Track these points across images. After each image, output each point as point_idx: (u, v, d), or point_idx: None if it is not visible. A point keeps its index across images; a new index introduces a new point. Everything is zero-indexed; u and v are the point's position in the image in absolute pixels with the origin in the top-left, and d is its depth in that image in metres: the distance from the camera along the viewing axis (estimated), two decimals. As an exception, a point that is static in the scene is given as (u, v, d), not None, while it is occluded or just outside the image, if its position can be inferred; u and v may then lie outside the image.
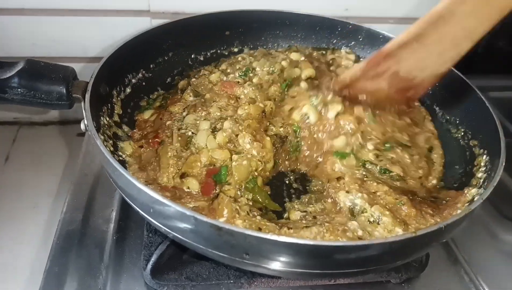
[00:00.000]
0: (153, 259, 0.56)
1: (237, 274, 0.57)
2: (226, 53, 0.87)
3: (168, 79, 0.81)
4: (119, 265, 0.60)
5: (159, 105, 0.74)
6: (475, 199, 0.56)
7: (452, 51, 0.58)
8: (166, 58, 0.80)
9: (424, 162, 0.66)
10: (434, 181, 0.65)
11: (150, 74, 0.78)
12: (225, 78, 0.74)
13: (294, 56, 0.82)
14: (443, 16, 0.54)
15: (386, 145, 0.64)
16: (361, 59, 0.85)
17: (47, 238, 0.74)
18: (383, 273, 0.60)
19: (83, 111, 0.57)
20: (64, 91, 0.58)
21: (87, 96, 0.57)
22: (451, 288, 0.63)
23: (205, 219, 0.43)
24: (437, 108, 0.78)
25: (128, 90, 0.73)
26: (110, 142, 0.61)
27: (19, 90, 0.56)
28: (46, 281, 0.58)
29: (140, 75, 0.76)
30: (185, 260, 0.58)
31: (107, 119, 0.64)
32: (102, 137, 0.58)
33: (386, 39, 0.84)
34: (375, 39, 0.85)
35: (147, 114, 0.72)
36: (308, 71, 0.77)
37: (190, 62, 0.84)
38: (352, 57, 0.84)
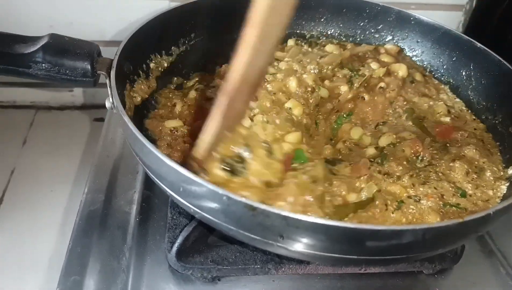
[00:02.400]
0: (178, 241, 0.54)
1: (264, 259, 0.55)
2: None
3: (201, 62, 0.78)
4: (142, 247, 0.59)
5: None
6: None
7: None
8: (188, 40, 0.78)
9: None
10: None
11: (177, 55, 0.75)
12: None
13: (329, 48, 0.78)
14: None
15: None
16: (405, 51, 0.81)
17: (65, 223, 0.74)
18: (416, 263, 0.57)
19: (108, 88, 0.55)
20: (89, 67, 0.56)
21: (113, 72, 0.56)
22: (486, 280, 0.60)
23: (238, 198, 0.41)
24: (472, 94, 0.74)
25: (154, 69, 0.71)
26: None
27: (43, 65, 0.55)
28: (69, 262, 0.57)
29: (165, 55, 0.74)
30: (211, 243, 0.57)
31: (133, 96, 0.63)
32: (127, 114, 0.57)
33: (418, 22, 0.81)
34: (406, 21, 0.82)
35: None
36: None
37: (217, 46, 0.81)
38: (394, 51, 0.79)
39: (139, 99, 0.65)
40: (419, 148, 0.58)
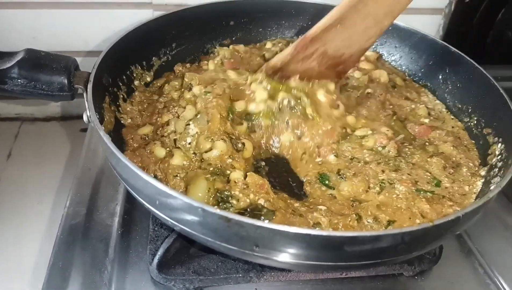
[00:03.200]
0: (159, 253, 0.54)
1: (246, 267, 0.56)
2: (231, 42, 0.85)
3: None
4: (124, 259, 0.59)
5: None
6: (492, 187, 0.54)
7: (374, 28, 0.61)
8: (169, 50, 0.79)
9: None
10: None
11: (154, 66, 0.76)
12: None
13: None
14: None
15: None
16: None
17: (51, 234, 0.73)
18: (396, 265, 0.58)
19: (85, 102, 0.55)
20: (66, 81, 0.56)
21: (89, 86, 0.56)
22: (465, 280, 0.61)
23: (213, 210, 0.42)
24: (448, 97, 0.76)
25: (134, 81, 0.72)
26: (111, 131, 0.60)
27: (19, 80, 0.55)
28: (50, 276, 0.56)
29: (144, 66, 0.74)
30: (192, 254, 0.57)
31: (111, 110, 0.63)
32: (105, 127, 0.57)
33: (395, 27, 0.82)
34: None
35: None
36: None
37: (193, 55, 0.82)
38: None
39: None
40: (383, 140, 0.62)
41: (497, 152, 0.61)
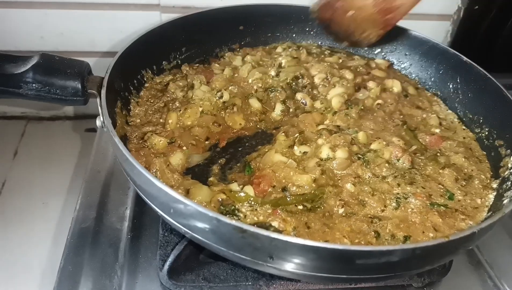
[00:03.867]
0: (170, 259, 0.54)
1: (255, 276, 0.56)
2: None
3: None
4: (134, 264, 0.59)
5: None
6: (505, 201, 0.54)
7: None
8: (179, 54, 0.79)
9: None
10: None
11: (165, 70, 0.76)
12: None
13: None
14: None
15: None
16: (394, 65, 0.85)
17: (57, 236, 0.73)
18: (406, 276, 0.58)
19: (99, 107, 0.55)
20: (80, 86, 0.56)
21: (103, 91, 0.56)
22: (474, 292, 0.61)
23: (228, 221, 0.41)
24: (459, 107, 0.76)
25: (145, 84, 0.72)
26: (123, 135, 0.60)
27: (33, 85, 0.55)
28: (61, 280, 0.56)
29: (154, 70, 0.74)
30: (202, 261, 0.57)
31: (122, 114, 0.63)
32: (118, 133, 0.57)
33: (405, 35, 0.82)
34: (394, 35, 0.82)
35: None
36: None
37: (202, 57, 0.82)
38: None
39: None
40: (398, 153, 0.61)
41: (509, 165, 0.61)
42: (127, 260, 0.59)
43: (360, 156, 0.61)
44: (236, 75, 0.74)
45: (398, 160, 0.61)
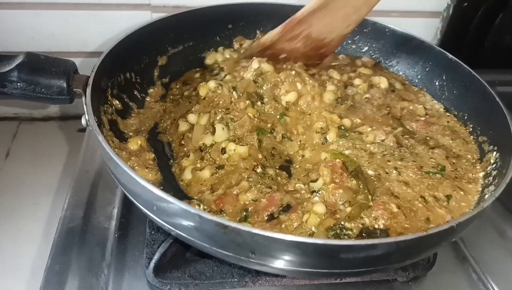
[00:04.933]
0: (155, 257, 0.55)
1: (241, 272, 0.56)
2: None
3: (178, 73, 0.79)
4: (121, 263, 0.59)
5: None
6: (486, 196, 0.55)
7: (354, 15, 0.70)
8: (168, 53, 0.79)
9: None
10: None
11: (153, 69, 0.76)
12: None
13: None
14: None
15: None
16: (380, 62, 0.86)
17: (48, 236, 0.73)
18: (390, 271, 0.59)
19: (84, 106, 0.55)
20: (65, 85, 0.56)
21: (88, 90, 0.56)
22: (459, 287, 0.62)
23: (210, 217, 0.42)
24: (445, 103, 0.77)
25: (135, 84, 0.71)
26: (111, 135, 0.60)
27: (18, 84, 0.55)
28: (47, 279, 0.57)
29: (142, 68, 0.74)
30: (188, 258, 0.57)
31: (110, 113, 0.63)
32: (104, 132, 0.57)
33: (392, 33, 0.83)
34: (381, 33, 0.84)
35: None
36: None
37: (191, 59, 0.82)
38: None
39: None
40: (382, 135, 0.65)
41: (492, 161, 0.61)
42: (114, 259, 0.59)
43: (346, 134, 0.66)
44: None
45: (382, 141, 0.65)
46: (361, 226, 0.52)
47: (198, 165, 0.61)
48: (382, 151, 0.63)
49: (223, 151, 0.61)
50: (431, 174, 0.60)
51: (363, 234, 0.51)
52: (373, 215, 0.53)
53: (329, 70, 0.78)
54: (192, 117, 0.66)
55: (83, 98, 0.56)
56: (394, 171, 0.60)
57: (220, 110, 0.66)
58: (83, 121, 0.57)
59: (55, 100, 0.58)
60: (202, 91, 0.69)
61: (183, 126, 0.67)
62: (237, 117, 0.64)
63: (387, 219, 0.52)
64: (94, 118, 0.53)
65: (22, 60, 0.55)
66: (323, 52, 0.76)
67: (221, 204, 0.54)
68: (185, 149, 0.64)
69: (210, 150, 0.62)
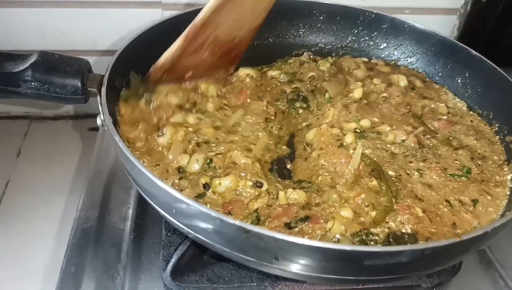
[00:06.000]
0: (173, 260, 0.54)
1: (260, 276, 0.55)
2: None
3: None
4: (137, 265, 0.58)
5: None
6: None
7: (263, 2, 0.61)
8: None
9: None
10: None
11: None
12: None
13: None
14: None
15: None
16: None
17: (61, 236, 0.73)
18: (415, 278, 0.57)
19: (99, 105, 0.54)
20: (79, 84, 0.56)
21: (103, 89, 0.55)
22: (484, 292, 0.60)
23: (231, 221, 0.40)
24: (468, 102, 0.74)
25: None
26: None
27: (33, 83, 0.54)
28: (63, 281, 0.56)
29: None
30: (206, 261, 0.56)
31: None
32: (119, 132, 0.56)
33: (412, 29, 0.80)
34: (400, 29, 0.81)
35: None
36: None
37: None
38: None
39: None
40: (403, 135, 0.62)
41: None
42: (129, 261, 0.58)
43: (364, 134, 0.63)
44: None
45: (403, 141, 0.62)
46: (387, 230, 0.50)
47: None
48: (403, 151, 0.61)
49: (206, 187, 0.53)
50: (456, 176, 0.58)
51: (390, 239, 0.49)
52: (398, 219, 0.51)
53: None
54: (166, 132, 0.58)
55: (98, 98, 0.55)
56: (416, 173, 0.58)
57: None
58: (99, 121, 0.55)
59: (69, 100, 0.57)
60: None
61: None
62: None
63: (414, 223, 0.50)
64: (110, 118, 0.52)
65: (36, 59, 0.55)
66: (233, 56, 0.66)
67: (230, 207, 0.52)
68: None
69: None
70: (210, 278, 0.54)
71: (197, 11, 0.76)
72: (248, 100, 0.67)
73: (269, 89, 0.74)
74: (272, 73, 0.77)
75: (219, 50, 0.62)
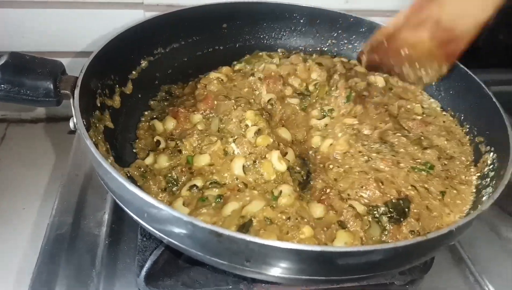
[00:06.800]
0: (147, 265, 0.53)
1: (236, 279, 0.55)
2: (222, 47, 0.83)
3: (168, 75, 0.77)
4: (111, 271, 0.57)
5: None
6: (484, 198, 0.54)
7: None
8: (161, 53, 0.76)
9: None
10: None
11: (145, 70, 0.74)
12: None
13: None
14: None
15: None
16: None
17: (36, 242, 0.71)
18: (388, 276, 0.58)
19: (72, 108, 0.53)
20: (52, 86, 0.54)
21: (77, 92, 0.54)
22: (456, 288, 0.61)
23: (203, 225, 0.40)
24: (441, 104, 0.76)
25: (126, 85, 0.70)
26: (102, 138, 0.58)
27: (2, 85, 0.52)
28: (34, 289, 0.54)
29: (133, 70, 0.72)
30: (181, 266, 0.56)
31: (99, 117, 0.61)
32: (93, 136, 0.55)
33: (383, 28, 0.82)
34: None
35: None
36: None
37: (186, 59, 0.80)
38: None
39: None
40: (366, 130, 0.65)
41: (488, 162, 0.61)
42: (104, 267, 0.57)
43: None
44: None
45: (366, 135, 0.64)
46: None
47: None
48: (362, 142, 0.63)
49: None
50: (416, 170, 0.59)
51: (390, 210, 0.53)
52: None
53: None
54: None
55: (71, 101, 0.54)
56: (363, 158, 0.60)
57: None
58: (71, 124, 0.54)
59: (41, 102, 0.56)
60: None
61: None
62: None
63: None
64: (83, 121, 0.51)
65: (6, 61, 0.53)
66: (450, 51, 0.63)
67: None
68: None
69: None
70: (185, 282, 0.54)
71: (179, 11, 0.77)
72: (215, 102, 0.67)
73: (236, 85, 0.73)
74: (239, 66, 0.78)
75: (438, 35, 0.62)
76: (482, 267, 0.63)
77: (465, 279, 0.62)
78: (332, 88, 0.72)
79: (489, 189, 0.56)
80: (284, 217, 0.51)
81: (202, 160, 0.58)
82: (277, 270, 0.43)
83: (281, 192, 0.54)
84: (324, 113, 0.70)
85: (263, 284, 0.55)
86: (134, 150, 0.65)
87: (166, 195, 0.56)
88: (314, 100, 0.72)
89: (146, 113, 0.71)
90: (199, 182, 0.55)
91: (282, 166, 0.57)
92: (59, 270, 0.57)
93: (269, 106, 0.70)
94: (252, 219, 0.50)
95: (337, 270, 0.44)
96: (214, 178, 0.56)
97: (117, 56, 0.67)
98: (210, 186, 0.55)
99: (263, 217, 0.50)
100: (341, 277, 0.46)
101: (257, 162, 0.57)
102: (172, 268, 0.55)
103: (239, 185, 0.55)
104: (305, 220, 0.51)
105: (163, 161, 0.60)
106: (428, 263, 0.60)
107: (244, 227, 0.49)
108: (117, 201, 0.50)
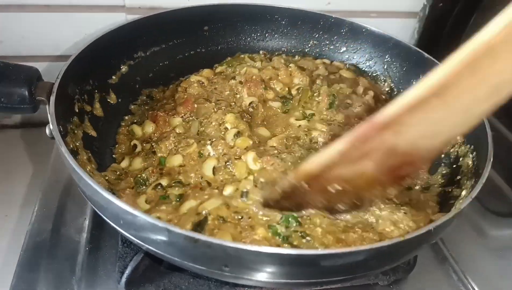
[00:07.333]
0: (127, 271, 0.52)
1: (218, 284, 0.54)
2: (204, 50, 0.83)
3: (149, 79, 0.77)
4: (92, 277, 0.57)
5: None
6: (462, 196, 0.55)
7: (486, 101, 0.37)
8: (142, 56, 0.76)
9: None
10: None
11: (125, 74, 0.73)
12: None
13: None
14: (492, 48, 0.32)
15: None
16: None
17: (15, 249, 0.70)
18: (371, 277, 0.58)
19: (48, 115, 0.52)
20: (26, 93, 0.53)
21: (52, 98, 0.53)
22: (439, 287, 0.62)
23: (179, 230, 0.40)
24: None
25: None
26: (80, 145, 0.57)
27: (-26, 93, 0.51)
28: (12, 299, 0.53)
29: (113, 75, 0.71)
30: (163, 271, 0.55)
31: (77, 123, 0.60)
32: (70, 143, 0.54)
33: (369, 33, 0.83)
34: (358, 33, 0.83)
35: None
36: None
37: (167, 62, 0.79)
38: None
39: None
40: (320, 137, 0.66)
41: (469, 161, 0.61)
42: (84, 274, 0.57)
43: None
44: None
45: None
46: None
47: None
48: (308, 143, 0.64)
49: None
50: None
51: None
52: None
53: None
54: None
55: (47, 107, 0.53)
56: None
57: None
58: (47, 131, 0.54)
59: (17, 110, 0.55)
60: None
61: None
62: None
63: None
64: (59, 127, 0.51)
65: (-21, 67, 0.52)
66: (404, 173, 0.45)
67: None
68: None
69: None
70: (167, 288, 0.53)
71: (160, 14, 0.76)
72: (196, 105, 0.66)
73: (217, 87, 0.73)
74: (220, 68, 0.78)
75: (388, 162, 0.42)
76: (466, 265, 0.64)
77: (449, 278, 0.63)
78: (315, 94, 0.72)
79: (469, 184, 0.56)
80: (236, 217, 0.50)
81: (175, 160, 0.58)
82: (257, 275, 0.43)
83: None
84: (307, 118, 0.70)
85: (245, 289, 0.54)
86: (113, 156, 0.64)
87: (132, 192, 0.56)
88: (296, 104, 0.72)
89: (126, 117, 0.71)
90: (164, 181, 0.55)
91: (256, 167, 0.57)
92: (38, 278, 0.56)
93: (250, 109, 0.70)
94: (207, 216, 0.50)
95: (317, 272, 0.43)
96: (179, 178, 0.56)
97: (96, 61, 0.66)
98: (173, 185, 0.55)
99: (216, 215, 0.50)
100: (321, 279, 0.46)
101: (229, 162, 0.57)
102: (153, 273, 0.54)
103: (202, 184, 0.55)
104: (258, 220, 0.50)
105: (137, 163, 0.60)
106: (411, 263, 0.60)
107: (200, 225, 0.48)
108: (94, 208, 0.49)
